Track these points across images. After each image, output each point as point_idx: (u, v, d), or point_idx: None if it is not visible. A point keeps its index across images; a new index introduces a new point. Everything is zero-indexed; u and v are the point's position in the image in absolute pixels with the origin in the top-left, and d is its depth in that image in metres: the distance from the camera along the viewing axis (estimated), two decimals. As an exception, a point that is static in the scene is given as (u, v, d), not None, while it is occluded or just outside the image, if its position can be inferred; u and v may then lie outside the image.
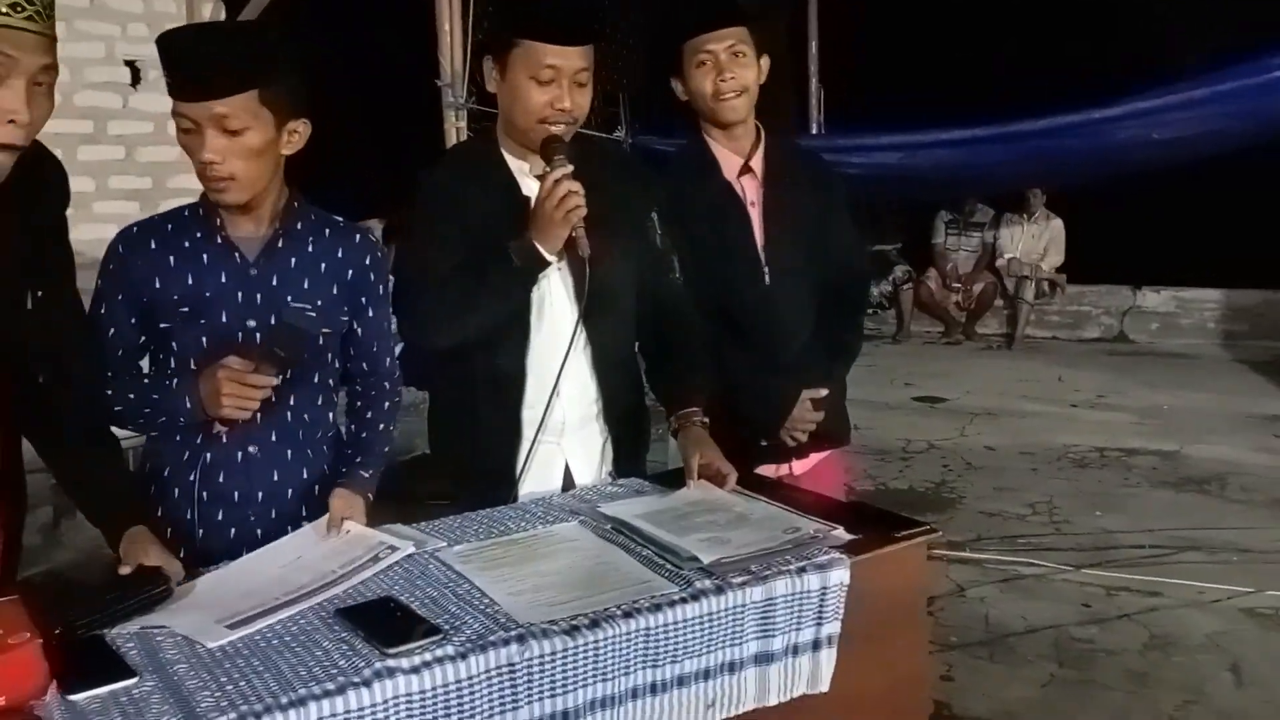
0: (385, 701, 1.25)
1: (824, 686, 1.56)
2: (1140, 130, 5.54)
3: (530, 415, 1.96)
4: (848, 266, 2.34)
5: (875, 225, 8.17)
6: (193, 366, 1.71)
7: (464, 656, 1.30)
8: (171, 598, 1.48)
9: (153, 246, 1.73)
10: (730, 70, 2.13)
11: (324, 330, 1.78)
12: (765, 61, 2.20)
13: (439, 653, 1.30)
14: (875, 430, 5.48)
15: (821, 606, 1.55)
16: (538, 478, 1.98)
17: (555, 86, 1.84)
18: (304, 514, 1.79)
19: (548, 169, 1.85)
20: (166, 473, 1.77)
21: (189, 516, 1.75)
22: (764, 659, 1.52)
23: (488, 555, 1.63)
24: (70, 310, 1.67)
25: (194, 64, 1.60)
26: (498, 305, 1.90)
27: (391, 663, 1.27)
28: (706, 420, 1.96)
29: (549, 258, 1.86)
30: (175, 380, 1.71)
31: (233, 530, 1.76)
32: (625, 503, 1.83)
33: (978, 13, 8.50)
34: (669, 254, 2.07)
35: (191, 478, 1.75)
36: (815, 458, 2.32)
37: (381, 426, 1.89)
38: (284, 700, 1.20)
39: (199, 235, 1.74)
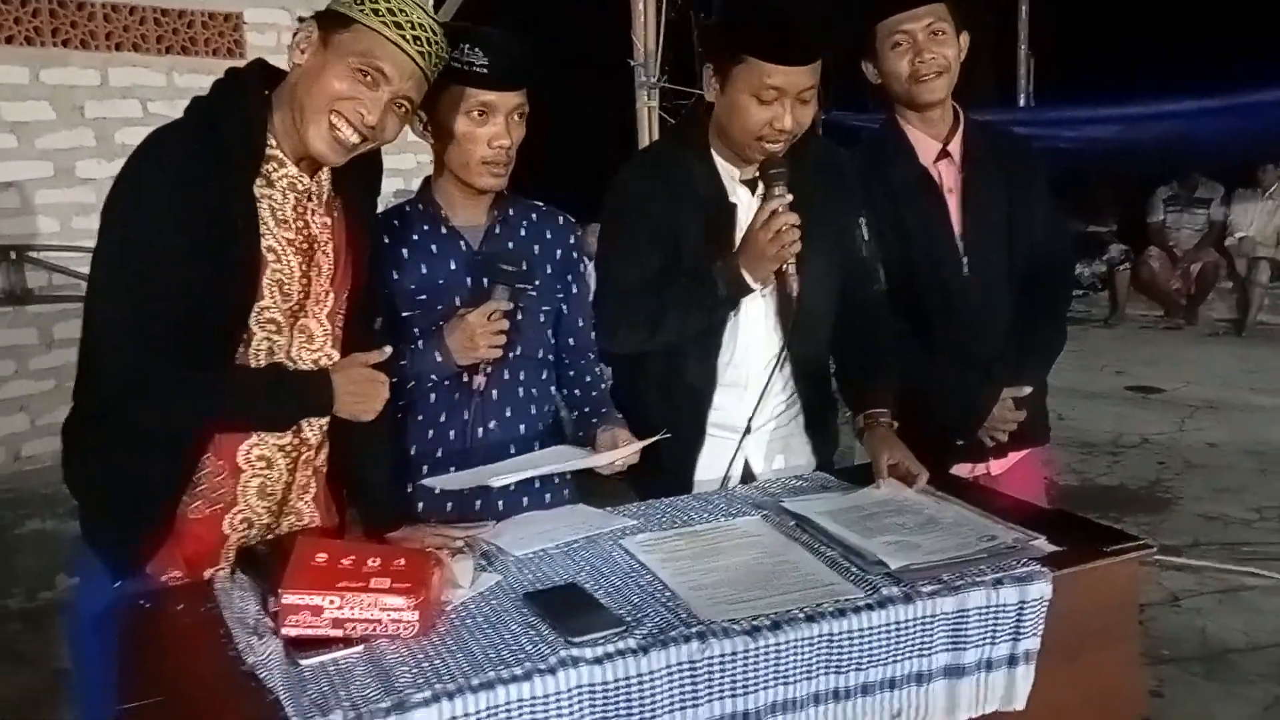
0: (569, 690, 1.27)
1: (1019, 704, 1.49)
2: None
3: (716, 417, 1.94)
4: (1051, 257, 2.18)
5: (1087, 204, 7.65)
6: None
7: (645, 651, 1.31)
8: None
9: (386, 241, 1.79)
10: (929, 50, 2.01)
11: (544, 308, 1.85)
12: (965, 38, 2.07)
13: (621, 645, 1.32)
14: (1081, 421, 5.16)
15: (1019, 621, 1.47)
16: (717, 470, 1.96)
17: (778, 105, 1.78)
18: (537, 485, 1.88)
19: (771, 193, 1.80)
20: (414, 451, 1.84)
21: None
22: (954, 672, 1.46)
23: (670, 546, 1.64)
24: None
25: (512, 65, 1.72)
26: (689, 324, 1.88)
27: (576, 652, 1.30)
28: (894, 422, 1.90)
29: (754, 286, 1.83)
30: (421, 342, 1.78)
31: (478, 502, 1.84)
32: (809, 499, 1.79)
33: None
34: (874, 261, 2.00)
35: (440, 454, 1.83)
36: (1014, 457, 2.20)
37: (609, 400, 1.94)
38: (475, 682, 1.25)
39: (425, 228, 1.82)
